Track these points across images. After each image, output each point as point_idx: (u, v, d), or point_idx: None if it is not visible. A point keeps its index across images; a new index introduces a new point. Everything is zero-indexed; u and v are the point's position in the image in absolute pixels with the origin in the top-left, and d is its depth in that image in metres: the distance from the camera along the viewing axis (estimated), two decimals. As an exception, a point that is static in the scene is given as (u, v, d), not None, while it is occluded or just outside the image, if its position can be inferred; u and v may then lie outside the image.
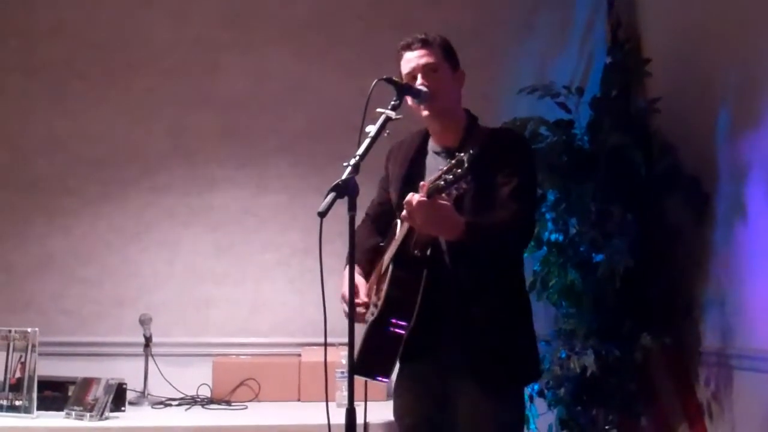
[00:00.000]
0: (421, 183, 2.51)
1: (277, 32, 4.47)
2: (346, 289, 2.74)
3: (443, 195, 2.43)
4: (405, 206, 2.52)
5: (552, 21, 4.49)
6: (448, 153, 2.80)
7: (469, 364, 2.70)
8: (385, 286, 2.69)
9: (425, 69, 2.77)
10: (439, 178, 2.41)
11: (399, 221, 2.77)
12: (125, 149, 4.36)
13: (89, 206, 4.32)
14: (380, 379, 2.80)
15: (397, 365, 2.85)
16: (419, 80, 2.77)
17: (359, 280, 2.83)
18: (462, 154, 2.36)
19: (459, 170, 2.36)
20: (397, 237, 2.72)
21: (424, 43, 2.79)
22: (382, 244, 2.96)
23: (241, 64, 4.44)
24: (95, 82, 4.35)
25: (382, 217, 3.02)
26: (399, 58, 2.84)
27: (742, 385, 3.48)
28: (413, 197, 2.50)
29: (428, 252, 2.68)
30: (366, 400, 2.74)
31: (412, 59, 2.79)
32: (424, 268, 2.68)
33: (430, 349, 2.74)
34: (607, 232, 3.76)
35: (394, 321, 2.70)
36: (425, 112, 2.78)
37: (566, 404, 3.86)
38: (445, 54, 2.81)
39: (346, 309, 2.65)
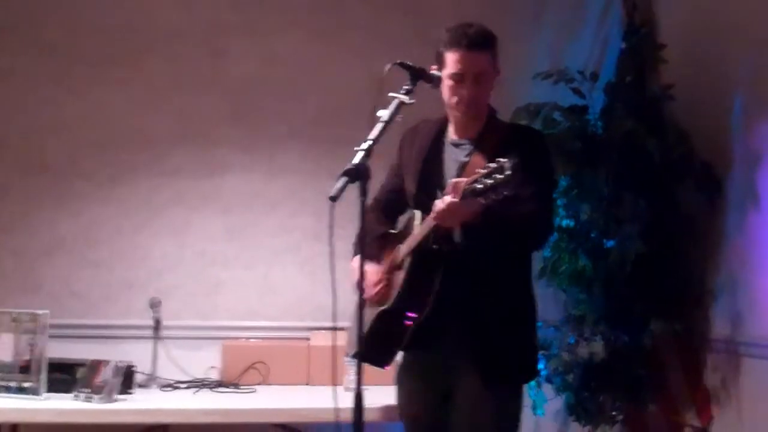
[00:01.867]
0: (454, 180, 2.48)
1: (288, 15, 4.45)
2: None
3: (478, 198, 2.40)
4: (434, 207, 2.51)
5: (567, 5, 4.46)
6: (467, 143, 2.79)
7: (473, 358, 2.71)
8: (402, 278, 2.68)
9: (476, 77, 2.72)
10: (477, 180, 2.38)
11: (417, 213, 2.75)
12: (135, 133, 4.35)
13: (99, 190, 4.32)
14: (381, 366, 2.81)
15: (400, 354, 2.87)
16: (465, 84, 2.72)
17: (371, 267, 2.82)
18: (504, 160, 2.32)
19: (500, 176, 2.32)
20: (417, 232, 2.70)
21: (483, 47, 2.72)
22: (393, 231, 2.96)
23: (251, 47, 4.42)
24: (104, 66, 4.34)
25: (392, 204, 3.00)
26: (446, 44, 2.73)
27: (751, 372, 3.47)
28: (445, 199, 2.47)
29: (446, 247, 2.66)
30: (359, 383, 2.69)
31: (465, 61, 2.70)
32: (441, 263, 2.67)
33: (436, 340, 2.75)
34: (619, 218, 3.75)
35: (406, 313, 2.70)
36: (459, 112, 2.76)
37: (574, 390, 3.85)
38: (493, 55, 2.76)
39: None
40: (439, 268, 2.67)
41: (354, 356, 2.82)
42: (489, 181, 2.34)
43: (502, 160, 2.34)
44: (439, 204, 2.52)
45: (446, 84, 2.75)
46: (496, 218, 2.54)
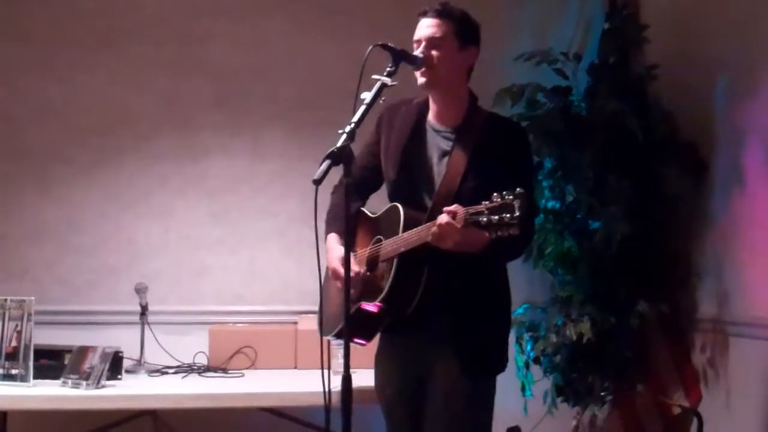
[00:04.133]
0: (456, 207, 2.48)
1: (272, -1, 4.43)
2: (336, 264, 2.74)
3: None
4: (438, 229, 2.51)
5: (550, -14, 4.45)
6: (449, 132, 2.79)
7: (452, 345, 2.72)
8: (389, 279, 2.67)
9: (429, 40, 2.74)
10: (482, 213, 2.38)
11: (401, 210, 2.72)
12: (119, 117, 4.32)
13: (83, 174, 4.30)
14: (360, 342, 2.81)
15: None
16: (420, 49, 2.75)
17: (341, 251, 2.77)
18: (511, 198, 2.33)
19: (507, 215, 2.33)
20: (405, 237, 2.66)
21: (438, 14, 2.76)
22: (368, 213, 2.93)
23: (235, 31, 4.39)
24: (88, 50, 4.30)
25: (364, 182, 2.96)
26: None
27: (738, 352, 3.49)
28: (451, 227, 2.47)
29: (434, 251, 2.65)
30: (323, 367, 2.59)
31: (422, 27, 2.77)
32: (426, 263, 2.67)
33: (414, 324, 2.74)
34: (604, 199, 3.76)
35: (392, 310, 2.70)
36: (420, 80, 2.76)
37: (562, 371, 3.88)
38: (458, 28, 2.76)
39: (339, 285, 2.66)
40: (423, 270, 2.67)
41: (337, 336, 2.82)
42: (494, 218, 2.35)
43: (510, 197, 2.34)
44: (441, 224, 2.51)
45: None
46: (494, 250, 2.56)
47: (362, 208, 2.96)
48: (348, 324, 2.40)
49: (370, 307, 2.70)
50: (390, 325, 2.78)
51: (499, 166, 2.68)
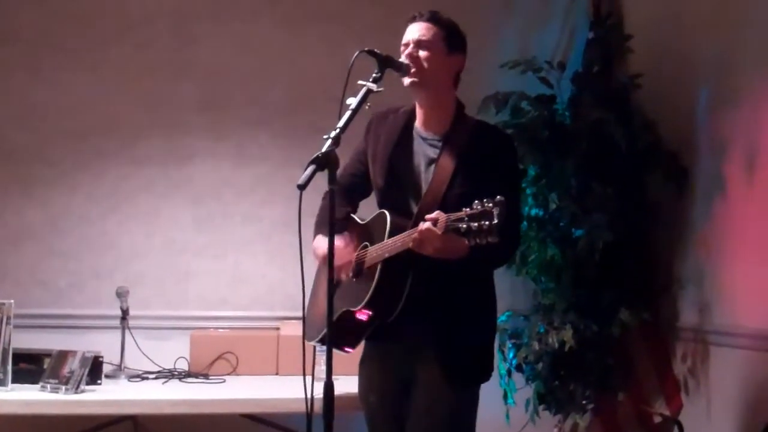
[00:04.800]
0: (438, 214, 2.49)
1: (258, 3, 4.42)
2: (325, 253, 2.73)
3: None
4: (419, 235, 2.52)
5: (535, -5, 4.47)
6: (436, 140, 2.81)
7: (436, 352, 2.72)
8: (373, 284, 2.67)
9: (417, 42, 2.77)
10: (462, 220, 2.39)
11: (387, 216, 2.73)
12: (103, 120, 4.31)
13: (66, 177, 4.28)
14: (346, 349, 2.81)
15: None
16: (406, 51, 2.76)
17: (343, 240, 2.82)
18: (491, 205, 2.34)
19: (487, 223, 2.34)
20: (389, 243, 2.67)
21: (428, 19, 2.80)
22: (356, 218, 2.94)
23: (220, 35, 4.39)
24: (72, 53, 4.29)
25: (353, 188, 2.98)
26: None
27: (719, 360, 3.51)
28: (432, 233, 2.48)
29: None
30: (307, 374, 2.67)
31: (411, 30, 2.80)
32: (410, 269, 2.67)
33: (398, 331, 2.74)
34: (587, 207, 3.77)
35: (376, 315, 2.70)
36: (406, 81, 2.77)
37: (544, 379, 3.88)
38: (446, 34, 2.79)
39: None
40: (408, 276, 2.67)
41: (321, 341, 2.82)
42: (474, 224, 2.36)
43: (489, 204, 2.35)
44: (422, 231, 2.52)
45: None
46: (476, 257, 2.58)
47: (352, 215, 2.97)
48: (330, 328, 2.40)
49: (357, 313, 2.70)
50: (374, 331, 2.78)
51: (486, 173, 2.69)
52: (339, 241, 2.77)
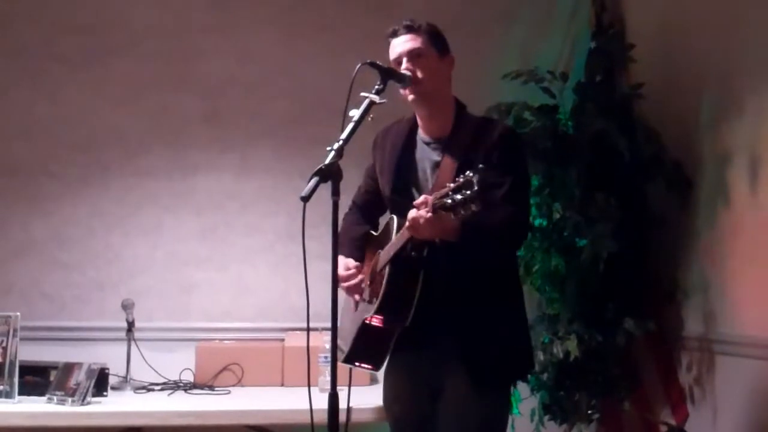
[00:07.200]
0: (425, 197, 2.49)
1: (260, 15, 4.44)
2: (340, 272, 2.75)
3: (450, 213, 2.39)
4: (409, 222, 2.51)
5: (537, 5, 4.47)
6: (438, 143, 2.81)
7: (461, 359, 2.70)
8: (382, 287, 2.67)
9: (410, 54, 2.77)
10: (447, 195, 2.37)
11: (394, 219, 2.75)
12: (107, 133, 4.32)
13: (71, 190, 4.29)
14: (371, 368, 2.82)
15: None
16: (404, 65, 2.77)
17: (352, 261, 2.83)
18: (471, 174, 2.32)
19: (468, 192, 2.30)
20: (394, 241, 2.69)
21: (409, 29, 2.79)
22: (373, 233, 2.96)
23: (224, 47, 4.40)
24: (76, 66, 4.31)
25: (369, 206, 3.02)
26: (388, 46, 2.83)
27: (724, 370, 3.50)
28: (419, 215, 2.47)
29: (425, 252, 2.65)
30: (350, 385, 2.75)
31: (397, 45, 2.80)
32: (421, 268, 2.66)
33: (423, 340, 2.73)
34: (591, 217, 3.76)
35: (390, 320, 2.69)
36: (410, 97, 2.78)
37: (549, 389, 3.87)
38: (432, 39, 2.80)
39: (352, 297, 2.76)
40: (418, 275, 2.66)
41: (345, 361, 2.81)
42: (458, 197, 2.33)
43: (469, 174, 2.33)
44: (412, 216, 2.52)
45: None
46: (473, 232, 2.56)
47: (371, 231, 2.99)
48: (334, 340, 2.40)
49: (372, 319, 2.69)
50: (397, 340, 2.77)
51: (491, 168, 2.68)
52: (354, 262, 2.82)
